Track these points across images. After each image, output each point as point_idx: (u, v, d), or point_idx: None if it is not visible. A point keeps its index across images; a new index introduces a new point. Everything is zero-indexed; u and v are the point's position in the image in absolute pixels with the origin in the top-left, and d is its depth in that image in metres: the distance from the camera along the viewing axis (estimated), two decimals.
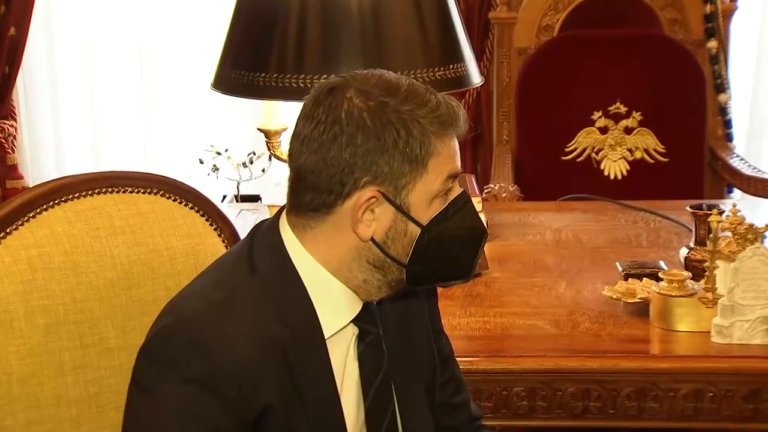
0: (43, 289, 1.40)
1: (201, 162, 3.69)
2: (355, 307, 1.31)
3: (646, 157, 3.34)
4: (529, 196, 3.11)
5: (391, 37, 1.90)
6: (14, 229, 1.42)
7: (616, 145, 3.35)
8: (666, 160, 3.34)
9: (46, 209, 1.45)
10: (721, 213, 1.87)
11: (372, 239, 1.26)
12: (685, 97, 3.39)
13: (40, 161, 4.01)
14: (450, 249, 1.29)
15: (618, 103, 3.33)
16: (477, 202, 2.26)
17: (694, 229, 2.09)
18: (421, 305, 1.43)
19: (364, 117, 1.22)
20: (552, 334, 1.87)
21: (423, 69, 1.90)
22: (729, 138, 3.52)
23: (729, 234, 1.84)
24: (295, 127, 1.28)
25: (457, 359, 1.53)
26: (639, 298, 1.91)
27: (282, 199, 1.34)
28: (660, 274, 1.90)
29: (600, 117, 3.34)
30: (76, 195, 1.48)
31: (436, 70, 1.92)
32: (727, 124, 3.51)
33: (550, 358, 1.78)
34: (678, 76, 3.37)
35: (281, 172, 3.77)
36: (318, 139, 1.23)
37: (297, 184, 1.28)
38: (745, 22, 3.71)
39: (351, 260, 1.28)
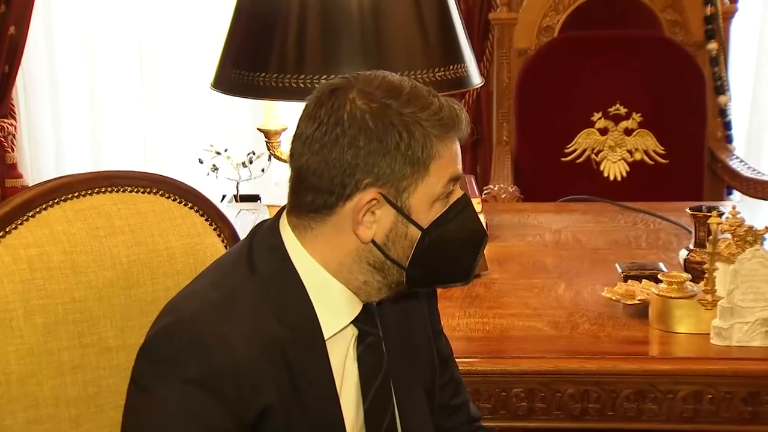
0: (42, 289, 1.40)
1: (200, 162, 3.69)
2: (355, 308, 1.31)
3: (646, 159, 3.34)
4: (528, 197, 3.11)
5: (391, 37, 1.90)
6: (13, 229, 1.41)
7: (615, 146, 3.35)
8: (666, 161, 3.33)
9: (45, 208, 1.44)
10: (720, 215, 1.87)
11: (372, 241, 1.26)
12: (685, 99, 3.39)
13: (40, 160, 4.01)
14: (450, 252, 1.29)
15: (618, 105, 3.33)
16: (476, 203, 2.26)
17: (693, 231, 2.09)
18: (420, 306, 1.43)
19: (367, 119, 1.22)
20: (551, 336, 1.87)
21: (423, 69, 1.90)
22: (729, 140, 3.52)
23: (728, 236, 1.84)
24: (297, 127, 1.28)
25: (457, 360, 1.53)
26: (638, 300, 1.91)
27: (281, 199, 1.34)
28: (659, 276, 1.90)
29: (600, 118, 3.34)
30: (75, 194, 1.47)
31: (436, 70, 1.92)
32: (727, 125, 3.51)
33: (549, 360, 1.78)
34: (678, 77, 3.36)
35: (281, 172, 3.77)
36: (320, 140, 1.23)
37: (298, 185, 1.27)
38: (745, 23, 3.71)
39: (351, 261, 1.28)
